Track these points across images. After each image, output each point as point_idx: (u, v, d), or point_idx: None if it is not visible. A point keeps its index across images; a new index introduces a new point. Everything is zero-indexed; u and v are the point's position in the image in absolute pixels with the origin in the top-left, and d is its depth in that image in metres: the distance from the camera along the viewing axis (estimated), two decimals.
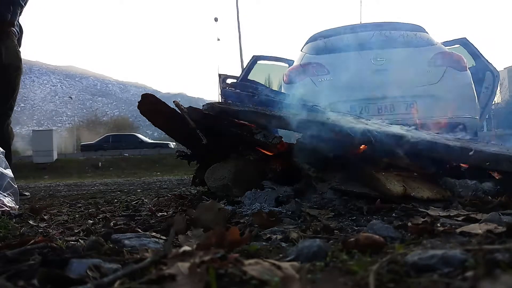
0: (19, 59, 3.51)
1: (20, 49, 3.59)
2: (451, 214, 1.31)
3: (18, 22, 3.55)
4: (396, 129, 1.98)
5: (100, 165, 15.97)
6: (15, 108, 3.66)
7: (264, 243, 1.10)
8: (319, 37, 4.48)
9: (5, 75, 3.39)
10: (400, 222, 1.22)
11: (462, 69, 3.86)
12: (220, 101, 3.98)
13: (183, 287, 0.64)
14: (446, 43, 4.53)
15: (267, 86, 5.65)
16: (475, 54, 4.72)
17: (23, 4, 3.47)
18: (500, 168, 1.70)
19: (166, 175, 10.42)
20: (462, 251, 0.75)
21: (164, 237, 1.16)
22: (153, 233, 1.21)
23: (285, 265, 0.72)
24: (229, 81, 5.58)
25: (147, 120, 2.31)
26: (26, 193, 3.80)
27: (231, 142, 2.28)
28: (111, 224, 1.54)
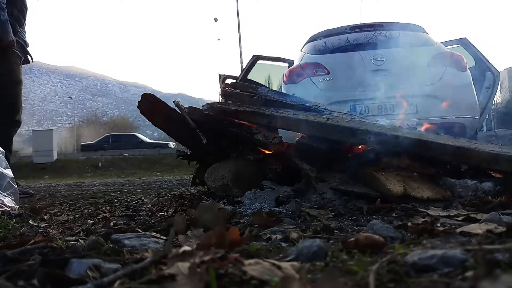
0: (12, 70, 3.55)
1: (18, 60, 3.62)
2: (451, 214, 1.31)
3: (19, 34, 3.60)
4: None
5: (100, 165, 15.97)
6: None
7: (264, 243, 1.10)
8: (319, 37, 4.48)
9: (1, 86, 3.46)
10: (400, 222, 1.21)
11: (462, 69, 3.86)
12: (220, 101, 3.98)
13: (183, 287, 0.64)
14: (446, 43, 4.53)
15: (267, 86, 5.67)
16: (475, 54, 4.71)
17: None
18: (499, 168, 1.70)
19: (166, 175, 10.42)
20: (462, 251, 0.75)
21: (164, 237, 1.16)
22: (153, 233, 1.21)
23: (285, 265, 0.72)
24: (228, 81, 5.58)
25: (147, 120, 2.31)
26: (31, 191, 3.85)
27: (231, 142, 2.29)
28: (111, 224, 1.54)
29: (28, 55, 3.78)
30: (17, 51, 3.59)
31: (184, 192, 2.96)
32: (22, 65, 3.82)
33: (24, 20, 3.65)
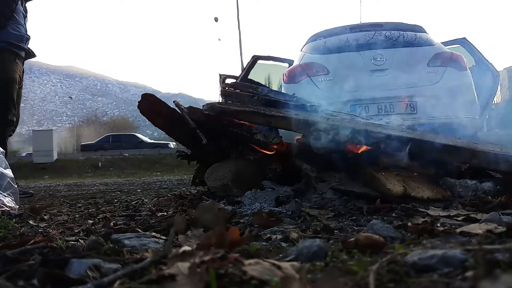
0: (6, 71, 3.50)
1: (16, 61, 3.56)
2: (451, 214, 1.31)
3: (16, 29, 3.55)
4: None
5: (100, 165, 15.96)
6: None
7: (264, 243, 1.10)
8: (319, 37, 4.48)
9: None
10: (400, 222, 1.22)
11: (462, 69, 3.86)
12: (220, 101, 3.98)
13: (183, 287, 0.64)
14: (446, 43, 4.52)
15: (267, 86, 5.66)
16: (475, 54, 4.71)
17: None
18: (499, 168, 1.70)
19: (166, 175, 10.42)
20: (462, 251, 0.75)
21: (164, 237, 1.16)
22: (153, 233, 1.21)
23: (285, 265, 0.72)
24: (228, 81, 5.57)
25: (147, 120, 2.31)
26: (31, 191, 3.85)
27: (231, 142, 2.28)
28: (111, 224, 1.54)
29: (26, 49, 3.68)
30: (9, 48, 3.49)
31: (184, 192, 2.96)
32: (26, 61, 3.77)
33: (11, 14, 3.49)
